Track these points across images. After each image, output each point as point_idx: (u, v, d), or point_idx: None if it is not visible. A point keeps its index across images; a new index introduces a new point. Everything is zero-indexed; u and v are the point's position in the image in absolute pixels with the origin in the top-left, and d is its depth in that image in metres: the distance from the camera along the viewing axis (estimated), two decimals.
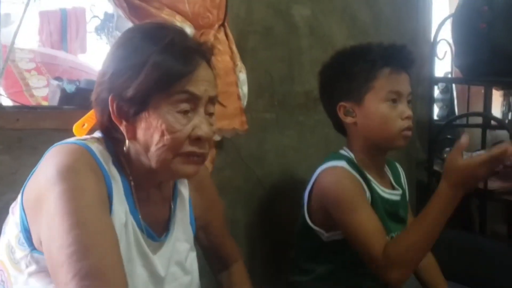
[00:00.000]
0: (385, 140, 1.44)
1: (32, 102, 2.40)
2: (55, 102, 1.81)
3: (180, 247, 1.14)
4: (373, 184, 1.47)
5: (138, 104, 0.95)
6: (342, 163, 1.44)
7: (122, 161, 1.03)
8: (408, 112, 1.42)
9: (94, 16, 3.76)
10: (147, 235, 1.05)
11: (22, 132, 1.37)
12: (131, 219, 1.02)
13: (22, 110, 1.44)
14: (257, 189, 1.91)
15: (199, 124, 0.97)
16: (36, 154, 1.05)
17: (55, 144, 0.99)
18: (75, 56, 3.50)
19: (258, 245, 1.92)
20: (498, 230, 2.57)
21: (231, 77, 1.59)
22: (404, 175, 1.66)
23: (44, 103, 2.39)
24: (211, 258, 1.34)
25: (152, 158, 0.97)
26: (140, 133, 0.97)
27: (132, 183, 1.03)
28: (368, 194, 1.43)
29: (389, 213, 1.50)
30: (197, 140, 0.97)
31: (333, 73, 1.52)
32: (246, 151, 1.86)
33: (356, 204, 1.38)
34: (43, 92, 2.48)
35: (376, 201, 1.45)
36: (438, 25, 2.57)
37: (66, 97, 1.59)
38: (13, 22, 3.36)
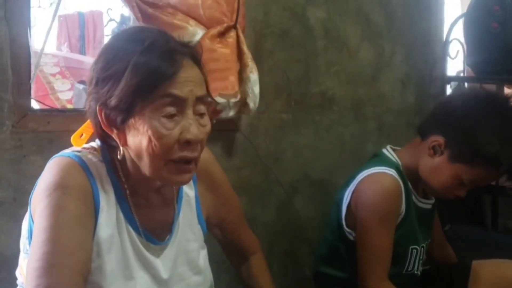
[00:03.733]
0: (432, 190, 1.50)
1: (58, 105, 2.47)
2: (80, 104, 1.88)
3: (190, 247, 1.15)
4: (412, 194, 1.51)
5: (124, 111, 0.93)
6: (392, 171, 1.45)
7: (119, 169, 1.03)
8: (461, 194, 1.45)
9: (111, 19, 3.81)
10: (146, 239, 1.06)
11: (52, 134, 1.43)
12: (127, 226, 1.03)
13: (52, 113, 1.50)
14: (275, 187, 1.95)
15: (188, 127, 0.94)
16: None
17: (54, 155, 1.03)
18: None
19: (275, 241, 1.96)
20: (510, 225, 2.59)
21: (231, 57, 1.62)
22: None
23: (69, 106, 2.46)
24: (230, 252, 1.35)
25: (145, 165, 0.96)
26: (131, 140, 0.96)
27: (127, 191, 1.03)
28: (403, 207, 1.47)
29: (422, 222, 1.54)
30: (186, 143, 0.94)
31: (463, 123, 1.41)
32: (264, 150, 1.90)
33: (381, 224, 1.42)
34: (67, 95, 2.55)
35: (411, 212, 1.49)
36: (451, 24, 2.58)
37: None
38: (33, 26, 3.44)
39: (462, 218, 2.49)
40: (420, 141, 1.50)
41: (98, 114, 0.96)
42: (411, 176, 1.51)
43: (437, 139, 1.44)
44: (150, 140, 0.92)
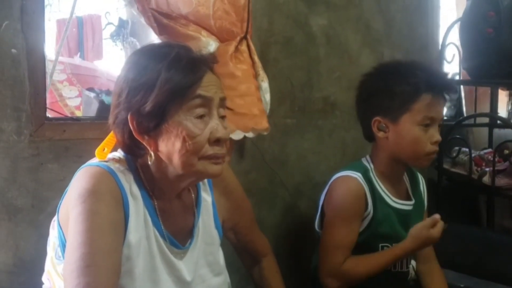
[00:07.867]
0: (411, 159, 1.51)
1: (67, 112, 2.48)
2: (89, 112, 1.90)
3: (209, 250, 1.21)
4: (384, 196, 1.55)
5: (157, 116, 1.00)
6: (357, 175, 1.51)
7: (143, 176, 1.09)
8: (438, 137, 1.47)
9: (109, 23, 3.82)
10: (170, 243, 1.12)
11: (68, 142, 1.46)
12: (154, 231, 1.09)
13: (67, 122, 1.52)
14: (280, 190, 2.00)
15: (216, 127, 1.03)
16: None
17: (82, 166, 1.07)
18: (102, 66, 3.53)
19: (282, 242, 2.00)
20: (505, 225, 2.65)
21: (251, 83, 1.67)
22: (424, 183, 1.71)
23: (78, 112, 2.48)
24: (242, 255, 1.41)
25: (177, 165, 1.02)
26: (162, 144, 1.02)
27: (154, 197, 1.10)
28: (370, 208, 1.52)
29: (402, 222, 1.58)
30: (216, 141, 1.03)
31: (374, 88, 1.54)
32: (270, 155, 1.95)
33: (345, 219, 1.49)
34: (75, 101, 2.57)
35: (383, 211, 1.54)
36: (447, 29, 2.64)
37: (104, 108, 1.69)
38: None
39: (458, 218, 2.54)
40: (374, 142, 1.59)
41: (129, 122, 1.02)
42: (385, 179, 1.56)
43: (374, 120, 1.52)
44: (184, 140, 1.00)
